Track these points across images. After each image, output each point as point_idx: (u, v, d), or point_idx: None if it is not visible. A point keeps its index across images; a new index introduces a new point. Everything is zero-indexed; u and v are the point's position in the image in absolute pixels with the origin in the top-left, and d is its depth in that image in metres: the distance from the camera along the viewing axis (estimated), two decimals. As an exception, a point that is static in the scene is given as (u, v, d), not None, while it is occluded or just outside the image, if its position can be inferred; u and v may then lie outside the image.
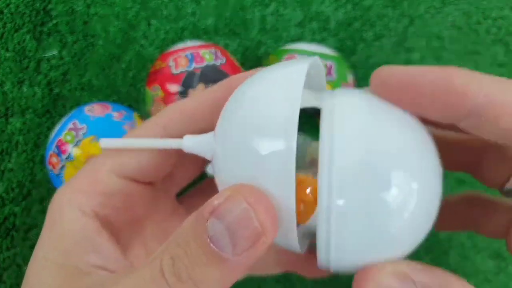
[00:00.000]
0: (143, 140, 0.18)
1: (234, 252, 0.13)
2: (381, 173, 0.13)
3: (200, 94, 0.19)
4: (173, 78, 0.29)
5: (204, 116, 0.18)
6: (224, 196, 0.13)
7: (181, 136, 0.18)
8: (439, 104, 0.14)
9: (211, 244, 0.13)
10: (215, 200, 0.13)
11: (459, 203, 0.21)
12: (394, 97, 0.14)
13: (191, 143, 0.17)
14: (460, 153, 0.19)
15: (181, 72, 0.29)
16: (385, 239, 0.13)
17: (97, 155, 0.19)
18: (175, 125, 0.18)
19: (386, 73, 0.15)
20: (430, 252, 0.33)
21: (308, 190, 0.15)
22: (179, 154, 0.19)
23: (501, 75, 0.39)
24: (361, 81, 0.36)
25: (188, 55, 0.29)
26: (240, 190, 0.14)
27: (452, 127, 0.15)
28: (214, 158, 0.16)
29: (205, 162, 0.21)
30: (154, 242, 0.20)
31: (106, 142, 0.18)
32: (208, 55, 0.30)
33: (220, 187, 0.16)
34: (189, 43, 0.31)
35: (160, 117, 0.19)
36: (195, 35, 0.37)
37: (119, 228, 0.19)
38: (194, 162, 0.21)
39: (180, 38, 0.37)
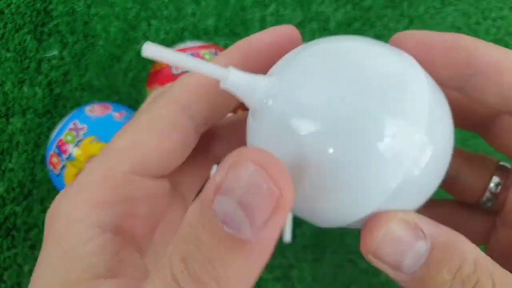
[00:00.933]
0: (188, 59, 0.14)
1: (253, 228, 0.11)
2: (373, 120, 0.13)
3: (220, 60, 0.15)
4: (174, 78, 0.29)
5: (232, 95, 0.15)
6: (226, 166, 0.11)
7: (200, 126, 0.16)
8: (450, 60, 0.15)
9: (225, 227, 0.11)
10: (217, 176, 0.11)
11: (443, 206, 0.21)
12: (412, 55, 0.15)
13: (239, 78, 0.13)
14: None
15: (182, 73, 0.29)
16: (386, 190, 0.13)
17: (105, 150, 0.15)
18: (197, 107, 0.15)
19: (404, 35, 0.16)
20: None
21: None
22: (195, 141, 0.16)
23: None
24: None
25: (188, 55, 0.30)
26: (245, 153, 0.11)
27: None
28: (267, 106, 0.13)
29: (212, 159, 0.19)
30: (163, 247, 0.17)
31: (151, 50, 0.13)
32: (208, 56, 0.30)
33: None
34: (189, 44, 0.31)
35: (177, 93, 0.16)
36: (195, 36, 0.37)
37: (139, 236, 0.16)
38: (203, 155, 0.18)
39: (180, 39, 0.37)
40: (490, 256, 0.19)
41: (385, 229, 0.13)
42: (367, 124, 0.13)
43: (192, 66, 0.13)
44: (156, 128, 0.15)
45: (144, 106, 0.17)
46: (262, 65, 0.15)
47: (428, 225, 0.13)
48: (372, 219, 0.13)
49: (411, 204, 0.14)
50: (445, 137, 0.14)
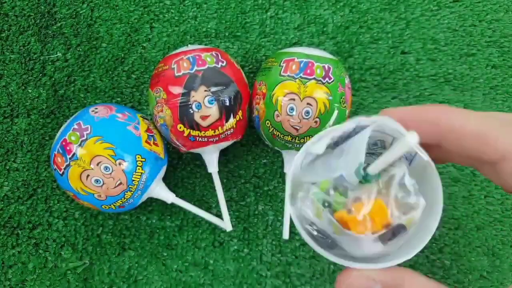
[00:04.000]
0: None
1: None
2: None
3: None
4: (176, 80, 0.29)
5: None
6: None
7: None
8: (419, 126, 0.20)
9: None
10: None
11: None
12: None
13: None
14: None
15: (183, 75, 0.29)
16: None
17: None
18: None
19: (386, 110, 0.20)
20: (424, 249, 0.33)
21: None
22: None
23: (495, 76, 0.39)
24: (358, 83, 0.36)
25: (190, 58, 0.30)
26: None
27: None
28: None
29: None
30: None
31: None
32: (210, 58, 0.30)
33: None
34: (191, 46, 0.32)
35: None
36: (197, 38, 0.37)
37: None
38: None
39: (182, 41, 0.37)
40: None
41: (349, 281, 0.19)
42: None
43: None
44: None
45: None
46: None
47: (379, 273, 0.19)
48: (341, 274, 0.19)
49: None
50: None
